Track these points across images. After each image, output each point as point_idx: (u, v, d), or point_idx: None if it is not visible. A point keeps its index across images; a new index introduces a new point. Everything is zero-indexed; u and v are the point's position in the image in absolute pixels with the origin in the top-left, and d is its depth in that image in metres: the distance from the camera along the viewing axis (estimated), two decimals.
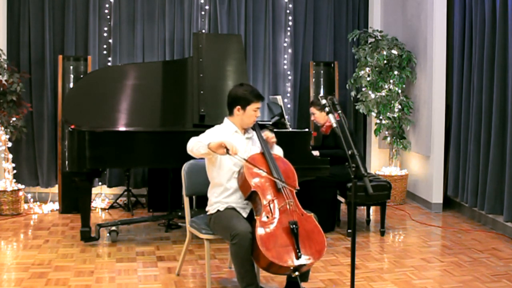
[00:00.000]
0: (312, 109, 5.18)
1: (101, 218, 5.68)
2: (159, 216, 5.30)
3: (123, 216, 5.72)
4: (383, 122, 6.42)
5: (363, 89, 6.49)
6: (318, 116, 5.13)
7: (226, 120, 3.56)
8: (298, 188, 3.43)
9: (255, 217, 3.24)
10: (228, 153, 3.18)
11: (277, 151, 3.62)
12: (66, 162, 4.65)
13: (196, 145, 3.33)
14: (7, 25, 6.16)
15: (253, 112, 3.46)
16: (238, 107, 3.45)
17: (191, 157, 3.82)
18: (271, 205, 3.27)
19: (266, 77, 6.71)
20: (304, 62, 6.88)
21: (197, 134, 3.57)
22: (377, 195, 5.02)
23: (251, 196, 3.34)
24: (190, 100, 5.09)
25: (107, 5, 6.36)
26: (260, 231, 3.15)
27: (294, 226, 3.17)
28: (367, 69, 6.41)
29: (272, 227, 3.19)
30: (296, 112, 6.86)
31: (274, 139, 3.57)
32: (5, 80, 5.60)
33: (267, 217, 3.22)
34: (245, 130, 3.56)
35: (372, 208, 5.86)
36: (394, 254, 4.55)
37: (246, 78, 5.42)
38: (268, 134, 3.55)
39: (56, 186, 6.12)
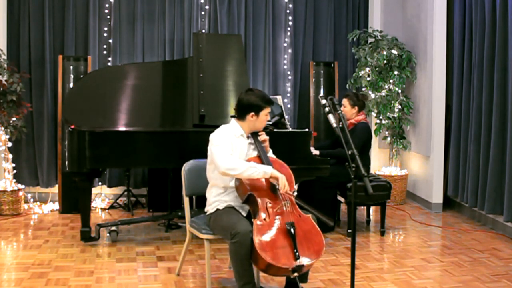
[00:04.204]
0: (345, 101, 5.15)
1: (101, 218, 5.68)
2: (159, 216, 5.30)
3: (123, 216, 5.72)
4: (383, 122, 6.43)
5: (363, 89, 6.49)
6: (348, 111, 5.11)
7: (234, 122, 3.56)
8: (295, 189, 3.45)
9: (252, 220, 3.24)
10: (277, 186, 3.33)
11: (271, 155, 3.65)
12: (66, 162, 4.65)
13: (249, 170, 3.29)
14: (7, 25, 6.16)
15: (265, 116, 3.54)
16: (252, 113, 3.49)
17: (191, 157, 3.84)
18: (268, 207, 3.27)
19: (266, 77, 6.71)
20: (304, 62, 6.89)
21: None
22: (377, 195, 5.02)
23: (249, 199, 3.35)
24: (190, 100, 5.09)
25: (107, 5, 6.36)
26: (257, 233, 3.15)
27: (290, 227, 3.17)
28: (367, 69, 6.41)
29: (269, 229, 3.20)
30: (296, 112, 6.86)
31: (267, 142, 3.60)
32: (5, 80, 5.60)
33: (264, 219, 3.22)
34: (248, 136, 3.57)
35: (372, 208, 5.86)
36: (394, 254, 4.55)
37: (246, 78, 5.43)
38: (264, 137, 3.58)
39: (56, 186, 6.12)
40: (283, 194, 3.34)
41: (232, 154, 3.42)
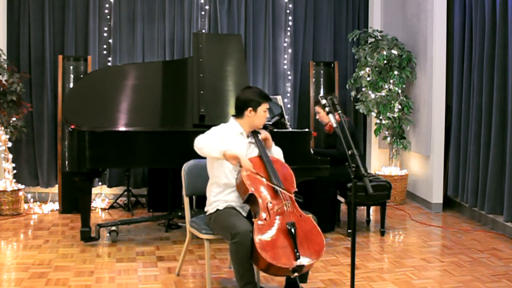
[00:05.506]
0: (317, 108, 5.19)
1: (101, 218, 5.68)
2: (159, 216, 5.30)
3: (123, 216, 5.72)
4: (383, 122, 6.43)
5: (363, 89, 6.49)
6: (323, 115, 5.13)
7: (232, 120, 3.57)
8: (297, 190, 3.45)
9: (253, 220, 3.24)
10: (240, 166, 3.31)
11: (276, 152, 3.63)
12: (66, 162, 4.65)
13: (208, 146, 3.37)
14: (7, 25, 6.16)
15: (264, 113, 3.54)
16: (250, 109, 3.49)
17: (191, 157, 3.83)
18: (269, 207, 3.27)
19: (266, 77, 6.71)
20: (304, 62, 6.88)
21: (197, 134, 3.57)
22: (377, 195, 5.02)
23: (249, 199, 3.35)
24: (190, 100, 5.09)
25: (107, 5, 6.36)
26: (258, 233, 3.15)
27: (291, 227, 3.18)
28: (367, 69, 6.41)
29: (270, 228, 3.20)
30: (296, 112, 6.86)
31: (270, 138, 3.59)
32: (5, 80, 5.60)
33: (265, 219, 3.23)
34: (247, 135, 3.57)
35: (372, 208, 5.85)
36: (394, 254, 4.55)
37: (246, 78, 5.42)
38: (265, 135, 3.57)
39: (56, 186, 6.12)
40: (283, 194, 3.34)
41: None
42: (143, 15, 6.44)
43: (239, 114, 3.54)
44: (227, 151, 3.32)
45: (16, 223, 5.38)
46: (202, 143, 3.41)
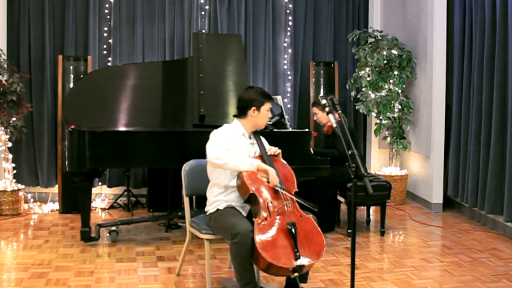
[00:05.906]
0: (315, 109, 5.19)
1: (101, 218, 5.68)
2: (159, 216, 5.30)
3: (123, 216, 5.72)
4: (383, 122, 6.43)
5: (363, 89, 6.49)
6: (321, 116, 5.13)
7: (236, 121, 3.57)
8: (297, 190, 3.45)
9: (254, 219, 3.24)
10: (268, 180, 3.33)
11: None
12: (66, 162, 4.65)
13: (234, 161, 3.33)
14: (7, 25, 6.17)
15: (267, 112, 3.55)
16: (254, 108, 3.50)
17: (191, 157, 3.84)
18: (269, 207, 3.27)
19: (266, 77, 6.71)
20: (304, 62, 6.89)
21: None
22: (377, 195, 5.02)
23: (250, 199, 3.35)
24: (190, 100, 5.10)
25: (107, 5, 6.36)
26: (258, 233, 3.15)
27: (291, 227, 3.18)
28: (367, 69, 6.41)
29: (270, 228, 3.20)
30: (296, 112, 6.87)
31: (278, 151, 3.60)
32: (5, 80, 5.60)
33: (266, 218, 3.23)
34: (249, 135, 3.58)
35: (372, 208, 5.86)
36: (394, 254, 4.55)
37: (246, 78, 5.43)
38: (275, 151, 3.58)
39: (56, 186, 6.12)
40: (284, 194, 3.34)
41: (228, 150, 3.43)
42: (143, 15, 6.44)
43: (242, 114, 3.54)
44: (260, 164, 3.34)
45: (16, 223, 5.38)
46: (224, 158, 3.33)
